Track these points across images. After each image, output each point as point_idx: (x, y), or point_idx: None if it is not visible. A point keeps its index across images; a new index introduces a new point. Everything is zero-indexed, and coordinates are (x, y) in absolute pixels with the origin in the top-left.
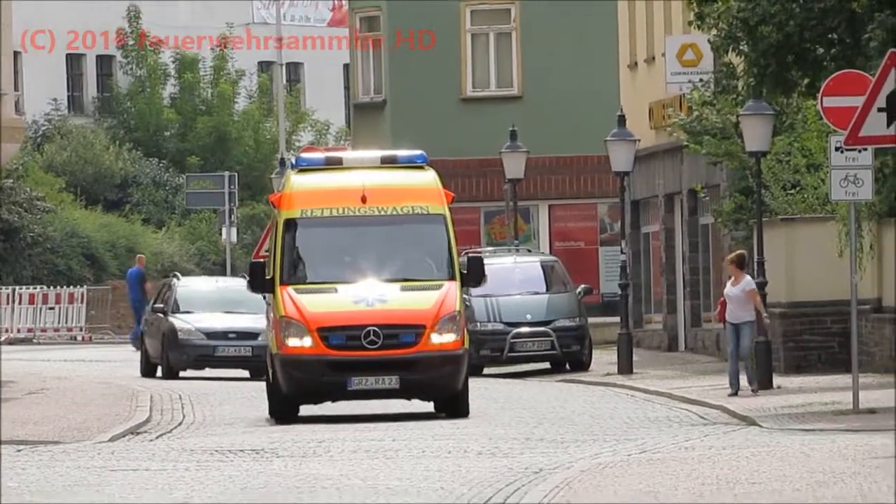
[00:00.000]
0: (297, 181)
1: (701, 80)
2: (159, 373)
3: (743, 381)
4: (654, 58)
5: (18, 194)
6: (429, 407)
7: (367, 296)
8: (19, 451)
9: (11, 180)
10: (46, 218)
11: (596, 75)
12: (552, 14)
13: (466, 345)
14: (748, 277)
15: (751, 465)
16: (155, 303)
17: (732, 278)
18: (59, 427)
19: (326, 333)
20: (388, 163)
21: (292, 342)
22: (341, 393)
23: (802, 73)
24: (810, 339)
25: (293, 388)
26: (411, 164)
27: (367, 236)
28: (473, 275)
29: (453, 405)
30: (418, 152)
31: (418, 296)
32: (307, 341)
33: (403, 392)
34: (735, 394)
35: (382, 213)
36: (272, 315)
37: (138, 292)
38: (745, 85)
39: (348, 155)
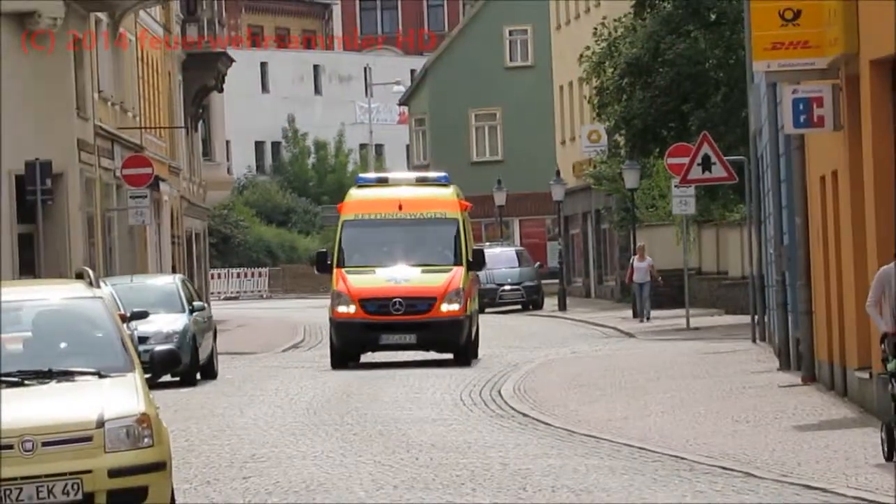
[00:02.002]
0: (355, 193)
1: (601, 150)
2: None
3: (628, 312)
4: (574, 137)
5: (229, 218)
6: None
7: (396, 276)
8: (233, 358)
9: (226, 211)
10: (245, 231)
11: (543, 148)
12: (519, 116)
13: (469, 312)
14: (649, 258)
15: (631, 358)
16: None
17: (638, 256)
18: (255, 344)
19: (365, 303)
20: (421, 181)
21: (341, 309)
22: (375, 346)
23: (656, 145)
24: (663, 290)
25: (341, 342)
26: (437, 183)
27: (401, 233)
28: (476, 262)
29: (459, 357)
30: (443, 174)
31: (433, 276)
32: (351, 308)
33: (419, 346)
34: (641, 321)
35: (412, 216)
36: (331, 288)
37: None
38: (625, 152)
39: (393, 175)
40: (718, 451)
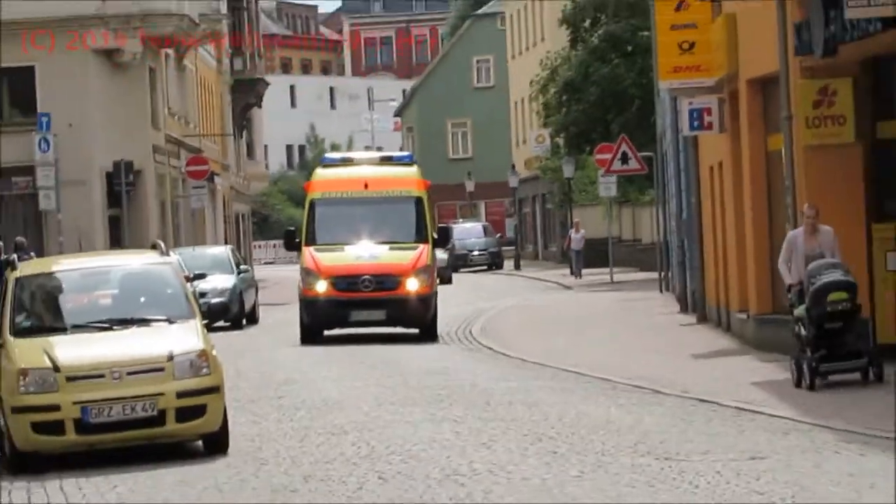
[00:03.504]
0: (321, 173)
1: (546, 149)
2: None
3: (564, 271)
4: (525, 140)
5: (267, 203)
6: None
7: (364, 253)
8: (270, 307)
9: (265, 197)
10: (279, 212)
11: (502, 148)
12: (484, 124)
13: (435, 289)
14: (583, 230)
15: (569, 304)
16: None
17: (574, 229)
18: (287, 297)
19: (335, 280)
20: (386, 160)
21: (311, 286)
22: (345, 322)
23: (587, 145)
24: (594, 254)
25: (311, 319)
26: (401, 162)
27: (367, 211)
28: (441, 239)
29: (424, 332)
30: (406, 153)
31: (401, 254)
32: (321, 286)
33: (388, 322)
34: (576, 277)
35: (378, 195)
36: (300, 266)
37: None
38: (563, 150)
39: (358, 155)
40: (634, 374)
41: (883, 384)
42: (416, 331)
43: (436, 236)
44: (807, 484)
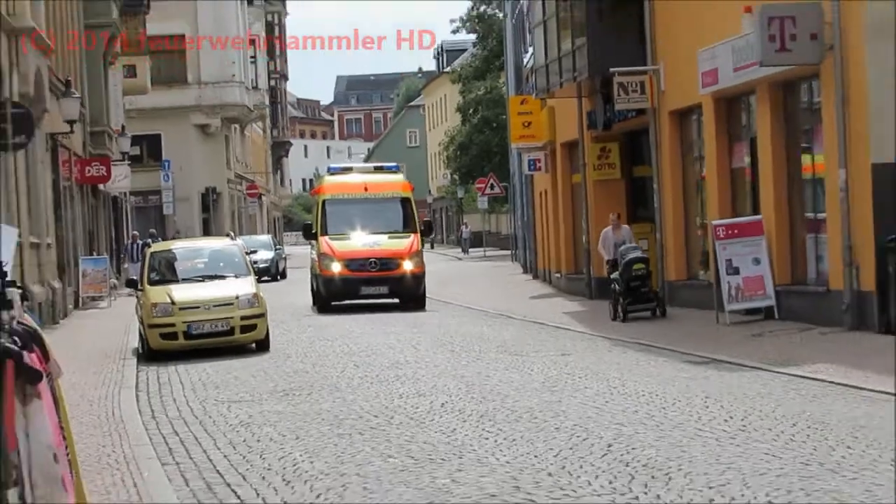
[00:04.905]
0: (328, 179)
1: (448, 181)
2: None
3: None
4: (436, 176)
5: (292, 211)
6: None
7: (369, 241)
8: (294, 269)
9: (291, 208)
10: (299, 216)
11: (423, 180)
12: (414, 167)
13: (424, 269)
14: (469, 226)
15: (462, 269)
16: None
17: (465, 226)
18: (304, 263)
19: (348, 262)
20: (378, 169)
21: (328, 267)
22: (357, 296)
23: (471, 179)
24: (475, 240)
25: (328, 293)
26: (391, 171)
27: (368, 209)
28: (427, 230)
29: (417, 303)
30: (394, 164)
31: (398, 241)
32: (336, 267)
33: (390, 295)
34: (465, 253)
35: (376, 196)
36: (316, 251)
37: None
38: (458, 182)
39: (357, 166)
40: (497, 307)
41: (665, 318)
42: (397, 301)
43: (422, 228)
44: (594, 368)
